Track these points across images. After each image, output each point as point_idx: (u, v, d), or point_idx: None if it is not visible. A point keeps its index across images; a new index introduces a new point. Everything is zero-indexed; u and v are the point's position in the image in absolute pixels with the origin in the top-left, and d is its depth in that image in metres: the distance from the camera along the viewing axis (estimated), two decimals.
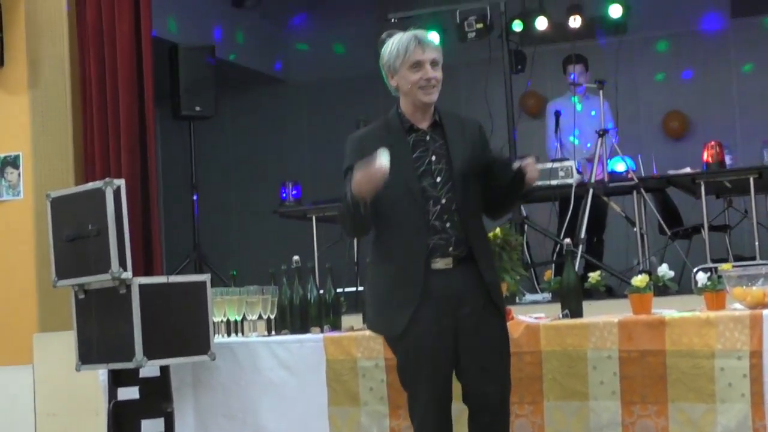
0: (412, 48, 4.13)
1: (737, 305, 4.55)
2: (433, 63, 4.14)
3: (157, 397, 5.12)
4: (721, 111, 11.15)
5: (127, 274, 4.81)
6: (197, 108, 9.04)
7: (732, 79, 11.24)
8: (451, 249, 4.10)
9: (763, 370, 4.24)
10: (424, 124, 4.21)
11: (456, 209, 4.12)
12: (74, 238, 4.96)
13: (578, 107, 8.86)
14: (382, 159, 3.84)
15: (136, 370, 4.99)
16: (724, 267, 4.72)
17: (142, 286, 4.87)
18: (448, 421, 4.18)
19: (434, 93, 4.15)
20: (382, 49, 4.23)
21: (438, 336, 4.07)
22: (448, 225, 4.10)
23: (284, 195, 9.31)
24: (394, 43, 4.18)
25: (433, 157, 4.15)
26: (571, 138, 8.82)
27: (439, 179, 4.13)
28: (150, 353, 4.84)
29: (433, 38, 4.20)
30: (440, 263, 4.09)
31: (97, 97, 7.67)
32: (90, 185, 5.08)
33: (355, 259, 8.47)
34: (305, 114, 12.49)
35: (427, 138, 4.19)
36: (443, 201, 4.11)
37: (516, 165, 4.09)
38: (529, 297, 7.15)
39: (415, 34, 4.16)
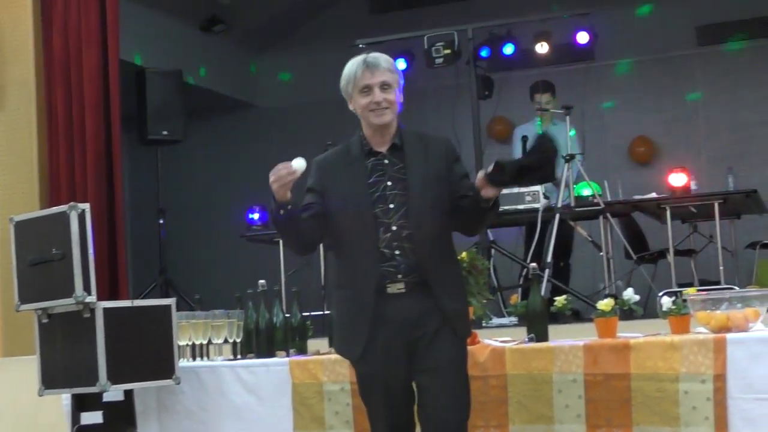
0: (360, 73, 4.12)
1: (701, 329, 4.57)
2: (383, 86, 4.12)
3: (121, 421, 5.08)
4: (687, 137, 11.24)
5: (92, 298, 4.79)
6: (164, 132, 9.04)
7: (698, 105, 11.34)
8: (400, 276, 4.07)
9: (727, 394, 4.26)
10: (383, 147, 4.18)
11: (407, 236, 4.08)
12: (38, 262, 4.93)
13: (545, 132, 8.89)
14: (295, 161, 3.88)
15: (99, 395, 4.96)
16: (688, 291, 4.74)
17: (106, 310, 4.85)
18: None
19: (387, 115, 4.12)
20: None
21: (390, 360, 4.07)
22: (397, 252, 4.07)
23: (251, 219, 9.29)
24: (346, 69, 4.20)
25: (389, 182, 4.13)
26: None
27: (392, 205, 4.10)
28: (114, 377, 4.81)
29: (384, 61, 4.14)
30: (392, 288, 4.08)
31: (63, 122, 7.64)
32: (54, 209, 5.06)
33: (322, 283, 8.46)
34: (274, 139, 12.47)
35: (386, 162, 4.16)
36: (393, 228, 4.08)
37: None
38: (495, 321, 7.15)
39: (365, 57, 4.16)
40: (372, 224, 4.08)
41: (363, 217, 4.09)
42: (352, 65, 4.17)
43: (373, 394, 4.15)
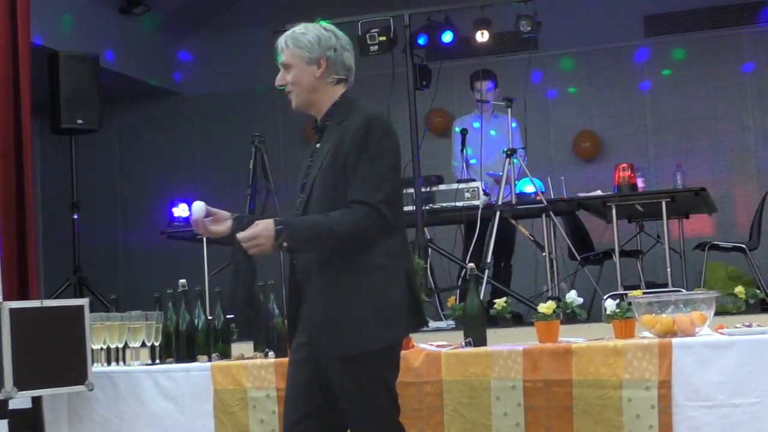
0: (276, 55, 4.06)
1: (646, 333, 4.62)
2: (284, 66, 4.00)
3: (29, 431, 5.01)
4: (634, 132, 11.34)
5: None
6: (79, 121, 8.93)
7: (645, 100, 11.45)
8: (299, 275, 3.97)
9: (672, 401, 4.32)
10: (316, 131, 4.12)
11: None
12: None
13: (485, 126, 8.93)
14: (194, 207, 3.91)
15: (5, 402, 4.88)
16: (633, 293, 4.79)
17: (13, 311, 4.78)
18: None
19: (292, 98, 4.01)
20: None
21: (298, 362, 3.98)
22: None
23: (172, 215, 9.21)
24: None
25: (309, 170, 4.02)
26: (476, 159, 8.88)
27: (302, 195, 4.00)
28: (21, 383, 4.74)
29: (284, 39, 3.97)
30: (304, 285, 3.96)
31: None
32: None
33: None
34: (198, 129, 12.41)
35: (317, 145, 4.06)
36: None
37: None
38: (432, 324, 7.17)
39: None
40: (292, 215, 4.03)
41: (292, 207, 4.06)
42: None
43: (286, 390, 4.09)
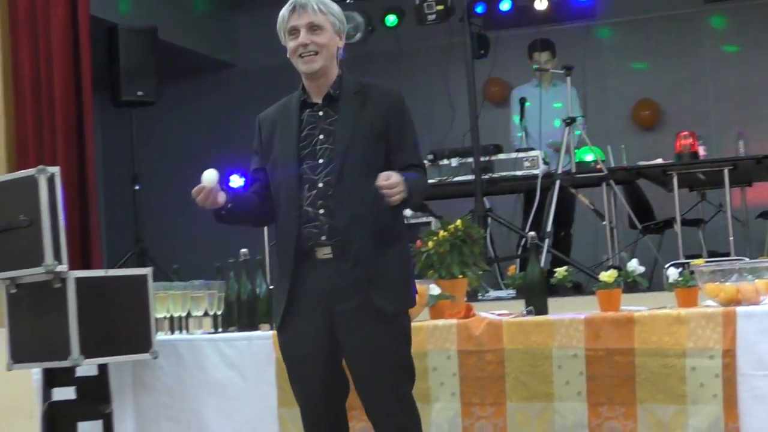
0: (288, 15, 4.04)
1: (710, 302, 4.59)
2: (311, 27, 4.00)
3: (95, 398, 5.08)
4: (695, 100, 11.22)
5: (63, 267, 4.77)
6: (139, 93, 8.99)
7: (706, 67, 11.32)
8: (324, 238, 3.96)
9: (737, 370, 4.27)
10: (318, 98, 4.08)
11: (332, 194, 3.96)
12: (4, 229, 4.91)
13: (544, 94, 8.88)
14: (205, 176, 3.93)
15: (72, 370, 4.95)
16: (696, 262, 4.75)
17: (78, 280, 4.83)
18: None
19: (316, 61, 4.00)
20: None
21: (309, 334, 3.97)
22: (321, 212, 3.96)
23: (230, 185, 9.27)
24: (280, 13, 4.12)
25: (321, 136, 4.02)
26: (534, 128, 8.84)
27: (321, 161, 3.99)
28: (87, 351, 4.80)
29: (315, 1, 4.02)
30: (318, 253, 3.97)
31: (31, 82, 7.61)
32: (22, 173, 5.03)
33: None
34: (255, 101, 12.30)
35: (320, 114, 4.06)
36: (320, 185, 3.97)
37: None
38: (492, 293, 7.18)
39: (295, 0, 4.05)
40: (296, 181, 3.99)
41: (289, 173, 4.01)
42: (283, 9, 4.11)
43: (293, 371, 4.06)
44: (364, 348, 3.96)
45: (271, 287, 5.30)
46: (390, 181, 3.82)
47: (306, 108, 4.09)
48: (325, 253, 3.97)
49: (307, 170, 4.00)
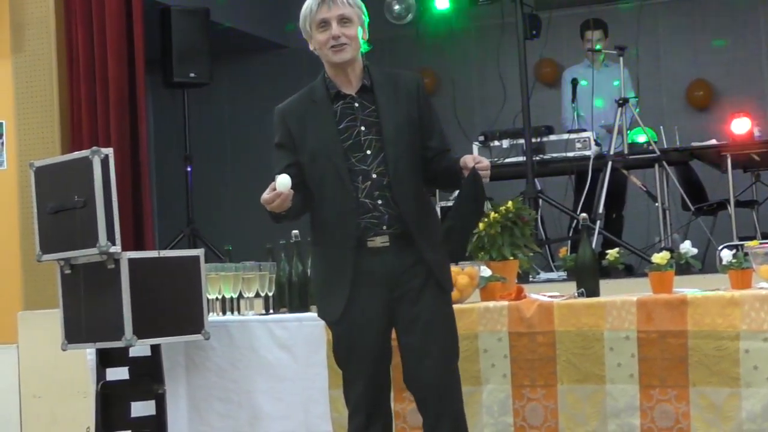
0: (316, 7, 4.07)
1: (764, 284, 4.54)
2: (341, 19, 4.05)
3: (148, 378, 5.13)
4: (749, 81, 11.08)
5: (116, 248, 4.82)
6: (191, 75, 9.02)
7: (761, 47, 11.19)
8: (384, 227, 4.03)
9: None
10: (351, 89, 4.12)
11: (388, 184, 4.03)
12: (59, 210, 4.96)
13: (596, 75, 8.82)
14: (280, 183, 3.89)
15: (125, 350, 5.00)
16: (750, 244, 4.71)
17: (131, 261, 4.88)
18: (383, 407, 4.17)
19: (346, 52, 4.06)
20: None
21: (371, 320, 4.05)
22: (380, 202, 4.02)
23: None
24: (304, 6, 4.15)
25: (363, 127, 4.07)
26: (586, 109, 8.78)
27: (369, 152, 4.04)
28: (140, 332, 4.85)
29: None
30: (376, 242, 4.04)
31: (85, 63, 7.66)
32: (76, 154, 5.09)
33: None
34: (305, 82, 12.36)
35: (356, 105, 4.10)
36: (374, 176, 4.03)
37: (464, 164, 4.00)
38: (543, 275, 7.15)
39: None
40: (347, 174, 4.03)
41: (337, 167, 4.03)
42: (310, 1, 4.13)
43: (353, 355, 4.10)
44: (425, 323, 4.05)
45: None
46: (484, 163, 3.97)
47: (338, 100, 4.12)
48: (383, 241, 4.04)
49: (356, 162, 4.05)
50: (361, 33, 4.11)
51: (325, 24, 4.07)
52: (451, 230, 4.14)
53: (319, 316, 4.33)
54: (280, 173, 3.97)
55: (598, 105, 8.68)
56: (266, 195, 3.92)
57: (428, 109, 4.17)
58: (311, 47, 4.16)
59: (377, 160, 4.04)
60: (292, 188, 3.94)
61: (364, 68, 4.16)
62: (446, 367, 4.11)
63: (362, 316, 4.05)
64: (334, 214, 4.08)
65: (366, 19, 4.16)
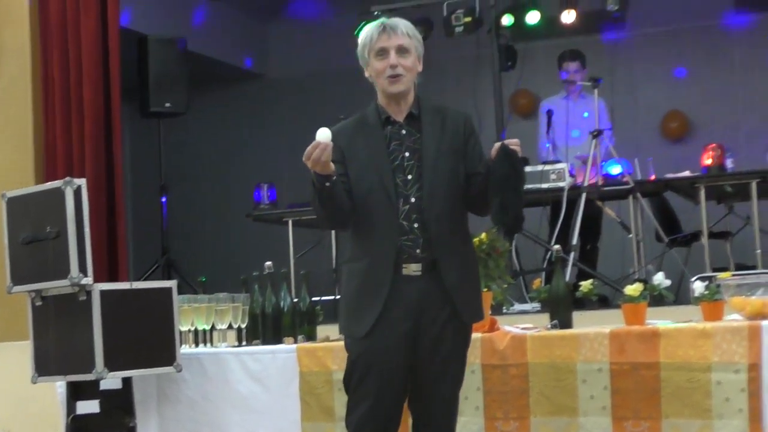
0: (377, 35, 4.16)
1: (735, 316, 4.56)
2: (400, 50, 4.13)
3: (119, 410, 5.09)
4: (724, 112, 11.16)
5: (88, 280, 4.79)
6: (167, 104, 9.03)
7: (736, 79, 11.26)
8: (418, 251, 4.08)
9: (762, 384, 4.26)
10: (400, 117, 4.20)
11: (423, 209, 4.10)
12: (31, 240, 4.94)
13: (572, 106, 8.86)
14: (320, 134, 3.87)
15: (96, 383, 4.97)
16: (722, 276, 4.73)
17: (103, 293, 4.86)
18: None
19: (402, 83, 4.13)
20: None
21: (395, 342, 4.07)
22: (416, 225, 4.09)
23: (259, 197, 9.29)
24: (363, 33, 4.24)
25: (407, 153, 4.15)
26: (562, 140, 8.81)
27: (410, 176, 4.12)
28: (111, 364, 4.82)
29: (404, 25, 4.17)
30: (410, 267, 4.09)
31: (60, 92, 7.67)
32: (48, 185, 5.06)
33: (334, 266, 8.46)
34: (283, 111, 12.46)
35: (403, 132, 4.18)
36: (412, 200, 4.10)
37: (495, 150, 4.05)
38: (517, 306, 7.14)
39: (383, 21, 4.20)
40: (394, 194, 4.10)
41: (385, 186, 4.10)
42: (369, 28, 4.22)
43: (369, 376, 4.11)
44: (443, 355, 4.11)
45: (296, 300, 5.34)
46: (512, 140, 4.10)
47: (387, 125, 4.20)
48: (416, 270, 4.10)
49: (399, 184, 4.12)
50: (417, 65, 4.20)
51: (383, 52, 4.14)
52: (503, 203, 4.11)
53: (341, 332, 4.35)
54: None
55: (574, 136, 8.72)
56: (308, 149, 3.89)
57: (474, 143, 4.23)
58: (366, 74, 4.23)
59: (417, 185, 4.11)
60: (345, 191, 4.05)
61: (416, 98, 4.24)
62: (453, 401, 4.19)
63: (387, 338, 4.07)
64: (375, 232, 4.12)
65: (421, 51, 4.23)
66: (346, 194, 4.10)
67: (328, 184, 3.96)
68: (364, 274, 4.14)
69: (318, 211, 4.09)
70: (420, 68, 4.22)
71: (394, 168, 4.12)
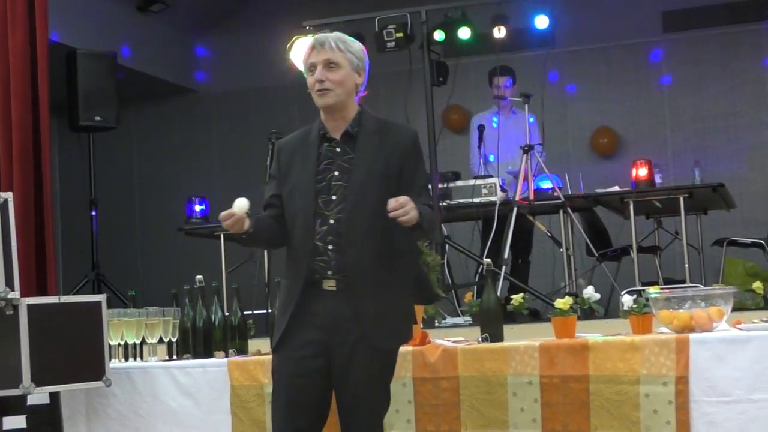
0: (308, 51, 4.18)
1: (664, 329, 4.60)
2: (327, 64, 4.12)
3: (47, 427, 5.05)
4: (652, 128, 11.29)
5: (14, 294, 4.73)
6: (97, 118, 8.96)
7: (663, 96, 11.40)
8: (330, 273, 4.07)
9: (690, 397, 4.30)
10: (337, 133, 4.19)
11: (341, 232, 4.07)
12: None
13: (503, 122, 8.91)
14: (236, 204, 3.97)
15: (23, 398, 4.89)
16: (650, 290, 4.77)
17: (31, 307, 4.79)
18: None
19: (329, 96, 4.12)
20: None
21: (303, 359, 4.07)
22: (330, 248, 4.06)
23: (190, 211, 9.23)
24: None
25: (336, 172, 4.13)
26: (493, 155, 8.86)
27: (334, 197, 4.10)
28: (39, 379, 4.75)
29: (335, 40, 4.15)
30: (323, 285, 4.09)
31: None
32: None
33: (266, 280, 8.42)
34: (214, 126, 12.41)
35: (337, 149, 4.17)
36: (331, 221, 4.08)
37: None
38: (449, 320, 7.18)
39: (315, 36, 4.21)
40: (312, 215, 4.09)
41: (305, 206, 4.10)
42: (306, 44, 4.24)
43: (277, 390, 4.15)
44: (356, 380, 4.06)
45: (227, 314, 5.32)
46: (398, 201, 3.91)
47: (324, 142, 4.18)
48: (330, 285, 4.09)
49: (321, 204, 4.10)
50: (353, 78, 4.15)
51: (312, 68, 4.15)
52: (419, 280, 4.30)
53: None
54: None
55: (506, 151, 8.76)
56: (224, 213, 3.98)
57: (415, 165, 4.18)
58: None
59: (339, 206, 4.09)
60: (272, 218, 4.11)
61: (358, 114, 4.20)
62: (375, 423, 4.13)
63: (294, 350, 4.06)
64: (295, 251, 4.14)
65: (362, 66, 4.20)
66: (275, 219, 4.15)
67: (244, 236, 4.06)
68: (285, 290, 4.23)
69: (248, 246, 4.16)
70: (360, 80, 4.19)
71: (320, 189, 4.11)
